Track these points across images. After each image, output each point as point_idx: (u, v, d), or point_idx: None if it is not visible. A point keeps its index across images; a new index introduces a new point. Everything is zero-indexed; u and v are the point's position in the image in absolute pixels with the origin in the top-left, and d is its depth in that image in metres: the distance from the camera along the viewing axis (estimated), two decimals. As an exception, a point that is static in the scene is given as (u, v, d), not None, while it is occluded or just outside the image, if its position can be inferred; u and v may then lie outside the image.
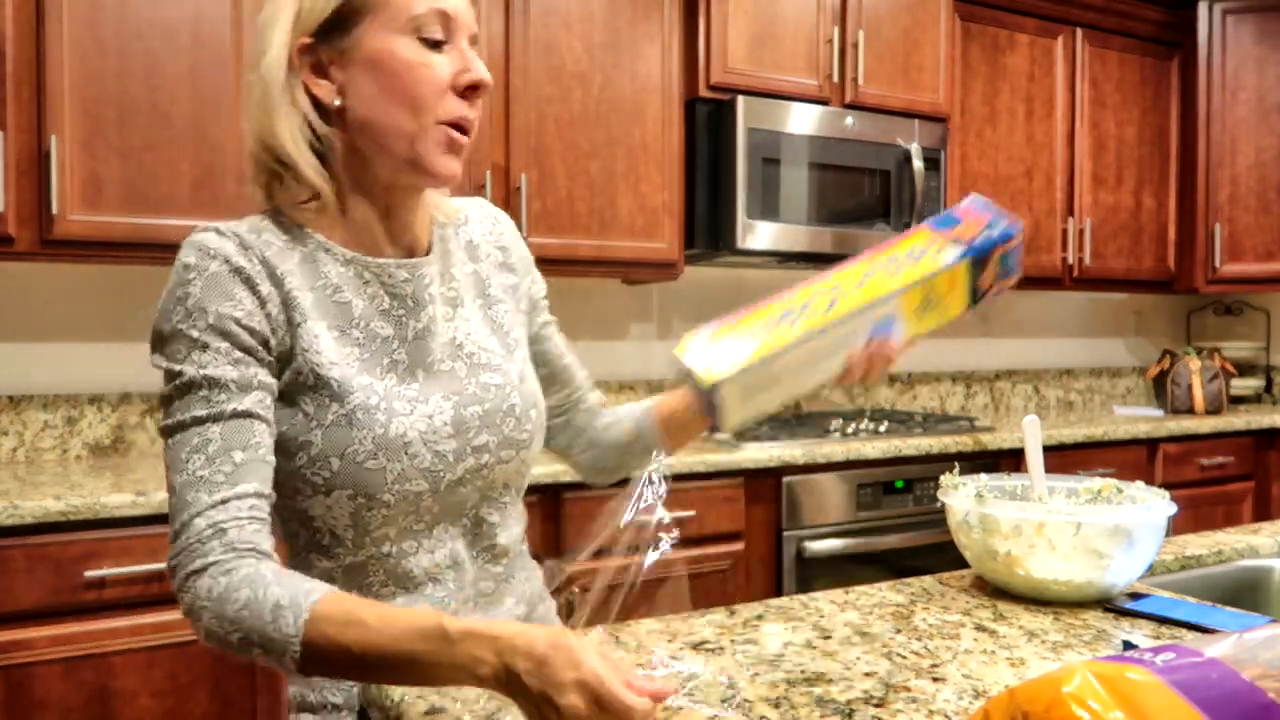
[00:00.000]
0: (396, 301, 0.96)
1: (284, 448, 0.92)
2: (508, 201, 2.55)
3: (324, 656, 0.78)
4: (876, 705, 0.86)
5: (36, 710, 1.82)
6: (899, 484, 2.78)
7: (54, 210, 2.06)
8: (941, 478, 1.29)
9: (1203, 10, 3.76)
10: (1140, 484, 1.27)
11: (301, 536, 0.98)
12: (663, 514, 0.85)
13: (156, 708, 1.91)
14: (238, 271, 0.89)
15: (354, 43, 0.91)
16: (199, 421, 0.86)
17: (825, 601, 1.18)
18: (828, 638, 1.04)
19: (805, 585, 2.60)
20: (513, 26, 2.55)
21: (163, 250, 2.19)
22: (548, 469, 2.27)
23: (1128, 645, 1.01)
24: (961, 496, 1.23)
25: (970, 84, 3.35)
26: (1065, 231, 3.57)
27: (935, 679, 0.92)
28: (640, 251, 2.73)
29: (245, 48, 2.25)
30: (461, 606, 1.01)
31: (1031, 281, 3.53)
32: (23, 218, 2.06)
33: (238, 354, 0.88)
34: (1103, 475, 1.35)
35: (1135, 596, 1.20)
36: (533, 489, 2.28)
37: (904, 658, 0.98)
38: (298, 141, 0.91)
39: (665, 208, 2.76)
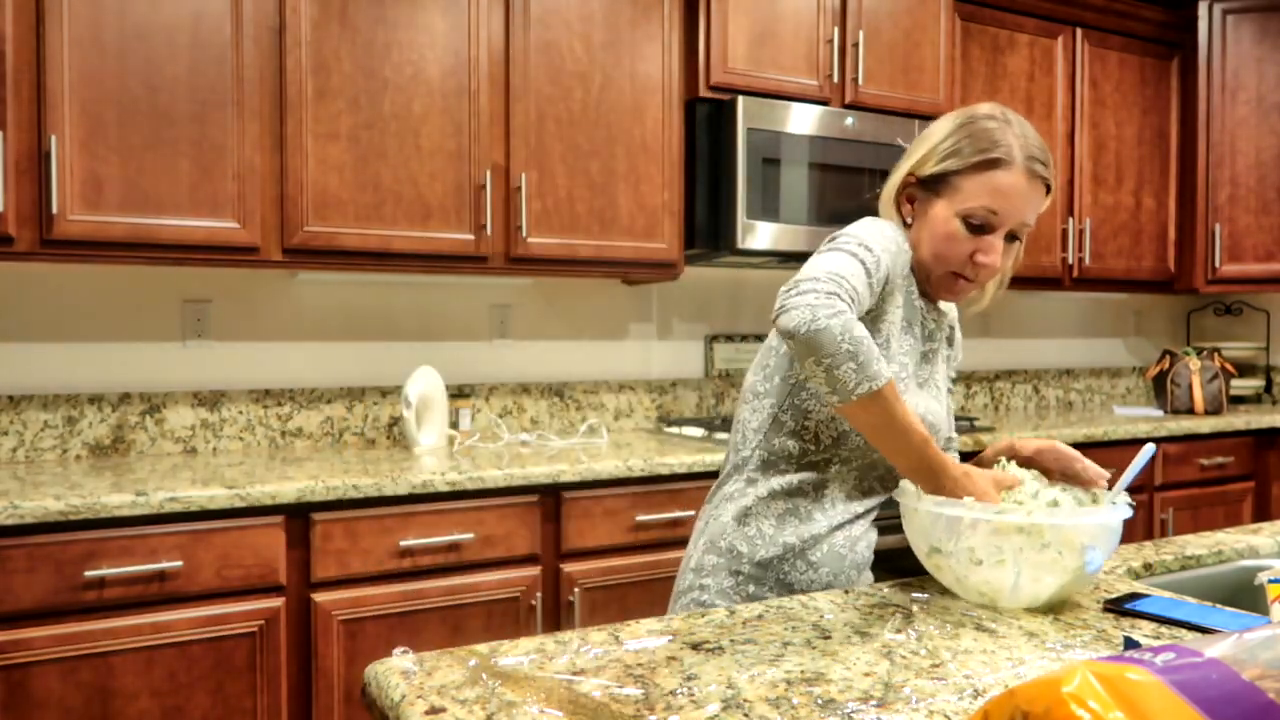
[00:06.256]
0: (922, 330, 1.42)
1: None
2: (508, 201, 2.55)
3: (879, 407, 1.18)
4: (876, 705, 0.86)
5: (36, 710, 1.82)
6: (899, 484, 2.77)
7: (54, 210, 2.06)
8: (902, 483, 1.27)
9: (1203, 10, 3.76)
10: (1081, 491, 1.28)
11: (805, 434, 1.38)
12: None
13: (156, 708, 1.92)
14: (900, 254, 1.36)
15: (931, 200, 1.37)
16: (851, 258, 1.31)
17: (825, 601, 1.18)
18: (828, 638, 1.04)
19: (805, 585, 2.59)
20: (513, 26, 2.55)
21: (162, 250, 2.19)
22: (548, 469, 2.27)
23: (1130, 642, 1.01)
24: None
25: (970, 84, 3.35)
26: (1065, 231, 3.57)
27: (935, 679, 0.92)
28: (640, 252, 2.73)
29: (247, 49, 2.25)
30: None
31: (1031, 281, 3.54)
32: (23, 218, 2.06)
33: (870, 280, 1.29)
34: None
35: (1135, 596, 1.20)
36: (533, 489, 2.29)
37: (904, 658, 0.98)
38: (897, 232, 1.37)
39: (665, 208, 2.76)
